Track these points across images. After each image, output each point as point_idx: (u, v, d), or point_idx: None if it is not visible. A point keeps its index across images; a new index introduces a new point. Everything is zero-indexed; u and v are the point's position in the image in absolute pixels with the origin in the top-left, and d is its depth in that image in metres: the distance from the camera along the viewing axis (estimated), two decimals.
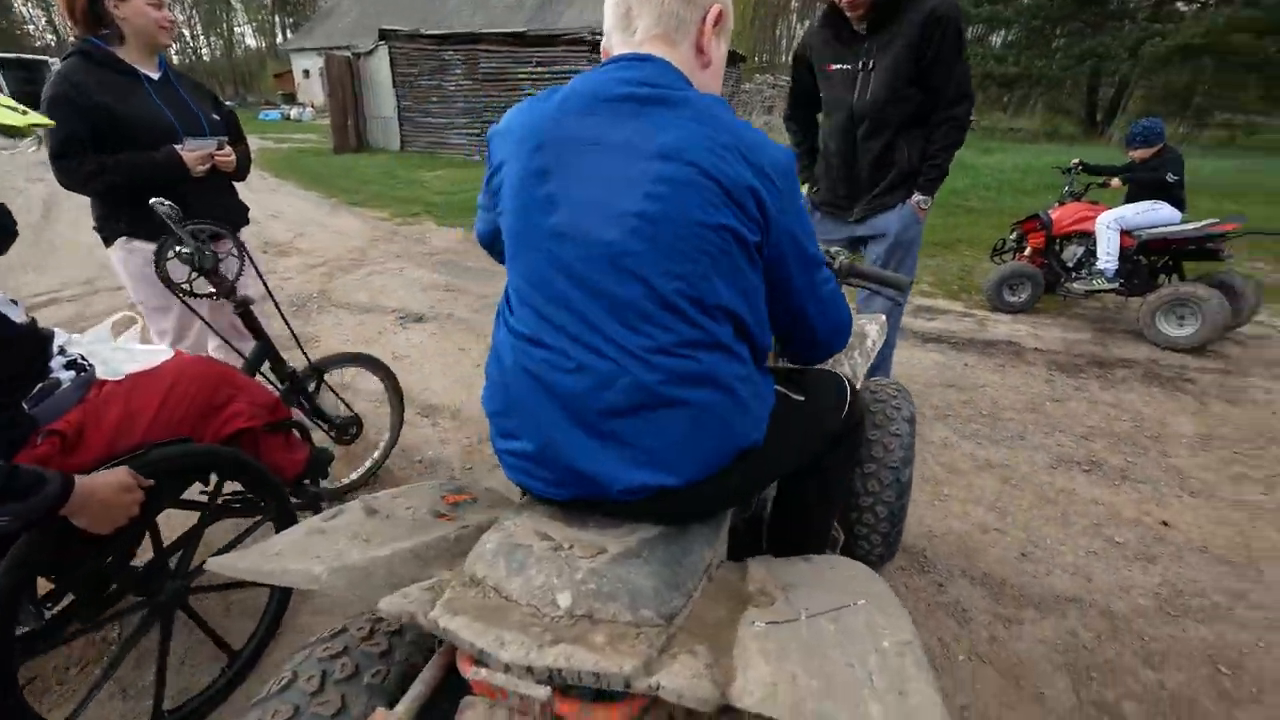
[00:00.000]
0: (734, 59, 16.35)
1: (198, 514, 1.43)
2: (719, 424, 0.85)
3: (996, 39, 21.12)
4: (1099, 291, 4.24)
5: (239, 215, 2.24)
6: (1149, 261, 4.12)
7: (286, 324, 1.99)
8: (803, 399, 1.02)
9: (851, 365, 1.59)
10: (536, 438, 0.87)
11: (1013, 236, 4.77)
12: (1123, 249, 4.09)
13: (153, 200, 1.65)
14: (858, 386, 1.44)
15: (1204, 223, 3.92)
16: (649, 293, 0.81)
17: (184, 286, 1.72)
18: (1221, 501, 2.37)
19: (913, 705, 0.63)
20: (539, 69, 10.70)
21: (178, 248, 1.65)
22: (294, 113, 24.99)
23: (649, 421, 0.82)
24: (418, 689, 0.77)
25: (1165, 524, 2.23)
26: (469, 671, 0.75)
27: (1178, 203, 4.05)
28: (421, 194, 8.20)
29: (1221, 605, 1.86)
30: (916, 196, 2.27)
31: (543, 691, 0.68)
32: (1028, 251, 4.59)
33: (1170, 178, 4.00)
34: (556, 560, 0.81)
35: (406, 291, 4.56)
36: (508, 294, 0.93)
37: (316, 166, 10.64)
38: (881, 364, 2.57)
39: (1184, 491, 2.43)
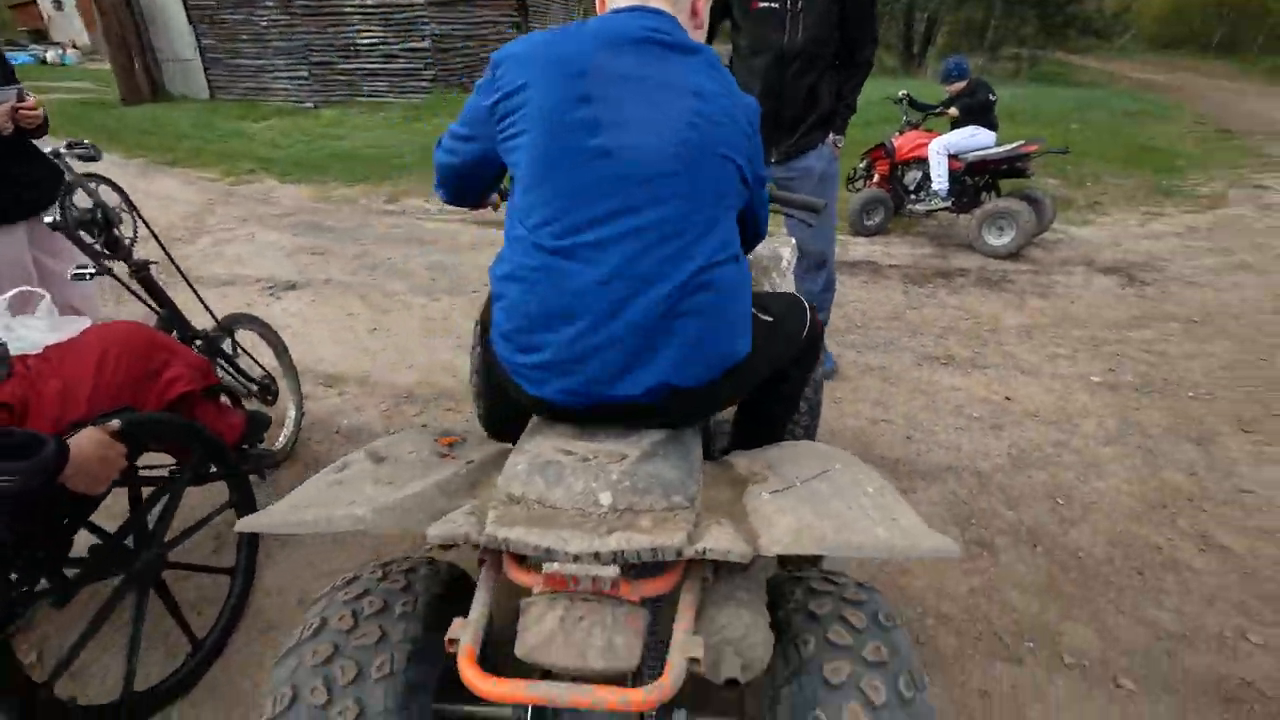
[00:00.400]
0: None
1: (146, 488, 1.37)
2: (725, 332, 0.98)
3: None
4: (936, 210, 4.83)
5: (56, 184, 1.93)
6: (973, 181, 4.75)
7: (189, 284, 1.84)
8: (772, 320, 1.15)
9: (771, 285, 1.75)
10: (565, 349, 0.93)
11: (863, 165, 5.25)
12: (952, 172, 4.67)
13: (52, 149, 1.41)
14: None
15: (1014, 145, 4.57)
16: (681, 210, 0.92)
17: (99, 249, 1.51)
18: (1044, 376, 2.92)
19: (904, 526, 0.81)
20: (369, 1, 9.63)
21: (77, 203, 1.43)
22: (51, 55, 20.54)
23: (672, 328, 0.93)
24: (482, 596, 0.85)
25: (1008, 399, 2.71)
26: (526, 578, 0.83)
27: (992, 126, 4.68)
28: (252, 148, 7.25)
29: (1052, 455, 2.34)
30: (832, 135, 2.38)
31: (614, 570, 0.78)
32: (876, 178, 5.09)
33: (990, 98, 4.63)
34: (589, 469, 0.90)
35: (267, 258, 4.13)
36: (520, 215, 0.96)
37: (107, 121, 8.95)
38: (823, 306, 2.73)
39: (1018, 372, 2.95)
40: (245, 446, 1.70)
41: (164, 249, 1.81)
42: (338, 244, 4.41)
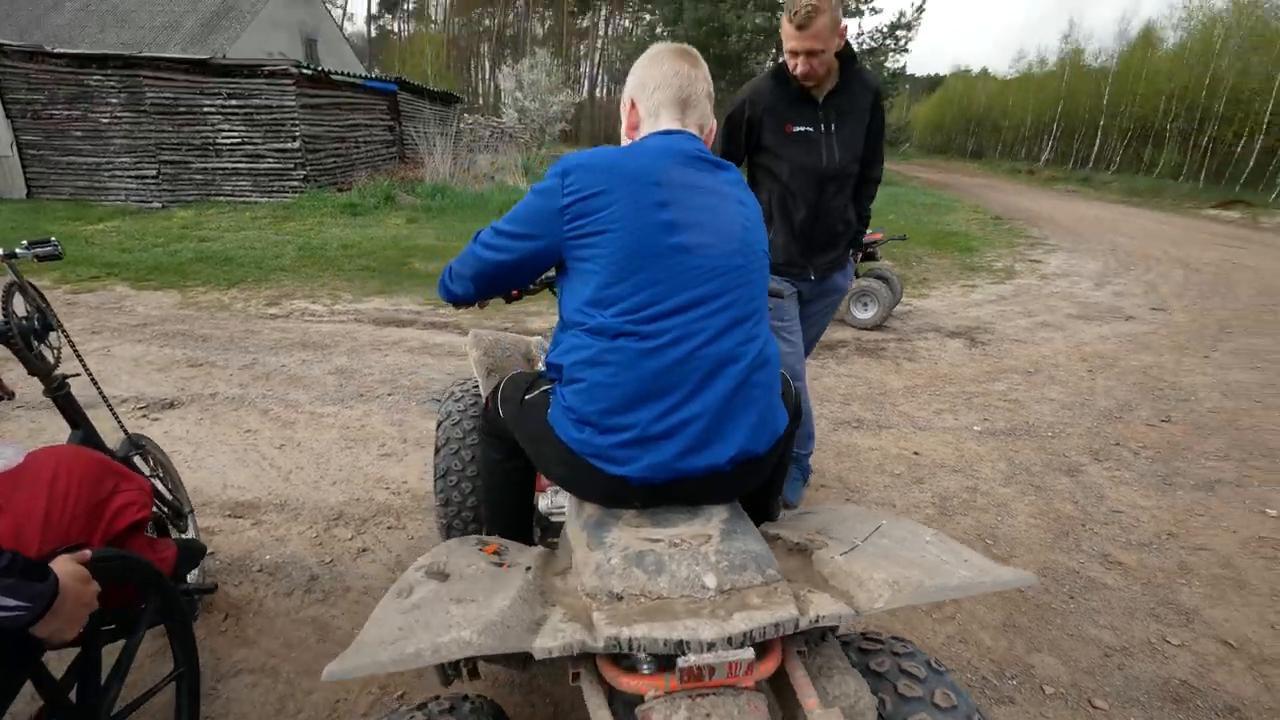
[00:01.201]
0: (449, 99, 16.27)
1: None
2: (778, 402, 1.12)
3: None
4: None
5: None
6: None
7: (104, 399, 1.70)
8: (781, 392, 1.26)
9: None
10: (654, 425, 0.99)
11: None
12: None
13: (6, 250, 1.30)
14: None
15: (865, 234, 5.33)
16: (745, 297, 1.08)
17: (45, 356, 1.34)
18: (937, 430, 3.31)
19: (978, 565, 0.89)
20: (232, 101, 9.24)
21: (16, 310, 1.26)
22: None
23: (744, 400, 1.03)
24: (602, 714, 0.81)
25: (916, 454, 3.03)
26: (636, 683, 0.81)
27: None
28: (93, 252, 6.44)
29: (969, 500, 2.63)
30: (850, 250, 2.48)
31: (750, 652, 0.78)
32: None
33: None
34: (684, 553, 0.91)
35: (131, 374, 3.64)
36: (601, 304, 1.02)
37: None
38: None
39: (916, 429, 3.32)
40: (180, 582, 1.48)
41: (80, 359, 1.62)
42: (219, 354, 4.00)
